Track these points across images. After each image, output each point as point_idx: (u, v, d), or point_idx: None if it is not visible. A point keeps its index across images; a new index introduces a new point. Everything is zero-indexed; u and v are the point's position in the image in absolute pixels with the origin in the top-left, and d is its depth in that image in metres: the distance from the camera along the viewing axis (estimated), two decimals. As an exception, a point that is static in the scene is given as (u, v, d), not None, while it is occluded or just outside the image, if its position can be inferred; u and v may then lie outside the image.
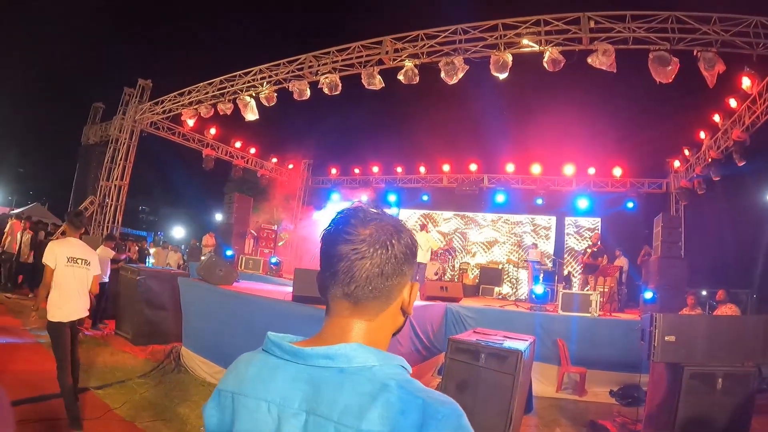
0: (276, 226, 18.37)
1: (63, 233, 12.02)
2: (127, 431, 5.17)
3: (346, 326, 1.04)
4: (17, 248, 13.06)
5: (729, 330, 5.19)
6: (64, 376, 4.85)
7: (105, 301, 10.06)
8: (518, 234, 18.21)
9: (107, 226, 16.01)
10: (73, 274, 5.08)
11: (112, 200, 16.26)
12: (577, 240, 17.31)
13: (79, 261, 5.14)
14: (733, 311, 9.46)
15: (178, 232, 37.13)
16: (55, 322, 4.91)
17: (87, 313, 5.38)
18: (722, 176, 12.47)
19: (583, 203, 16.70)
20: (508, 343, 4.87)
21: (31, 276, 13.22)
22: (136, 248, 12.70)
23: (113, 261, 10.24)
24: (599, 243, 12.85)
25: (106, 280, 9.99)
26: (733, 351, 4.95)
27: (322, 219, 17.87)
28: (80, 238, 5.44)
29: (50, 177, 32.63)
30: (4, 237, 13.23)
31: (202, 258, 10.09)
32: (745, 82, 9.89)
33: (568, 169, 16.84)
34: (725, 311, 9.45)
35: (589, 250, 12.97)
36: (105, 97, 20.36)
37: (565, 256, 17.04)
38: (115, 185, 16.33)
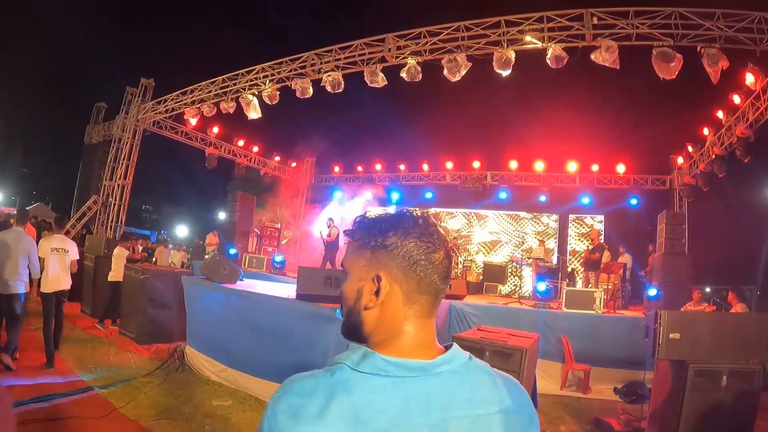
0: (279, 224, 18.38)
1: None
2: (131, 430, 5.18)
3: (430, 326, 1.10)
4: None
5: (734, 327, 5.17)
6: (47, 329, 7.15)
7: (118, 301, 10.10)
8: (522, 231, 18.18)
9: (111, 226, 16.03)
10: (57, 260, 7.32)
11: (115, 199, 16.28)
12: (580, 238, 17.28)
13: (60, 250, 7.41)
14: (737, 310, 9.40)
15: (182, 230, 37.18)
16: (44, 292, 7.19)
17: (68, 287, 7.60)
18: (726, 173, 12.41)
19: (586, 200, 16.69)
20: (513, 341, 4.87)
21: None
22: (140, 248, 12.67)
23: (130, 261, 10.30)
24: (598, 239, 12.79)
25: (121, 279, 10.05)
26: (738, 348, 4.93)
27: (326, 216, 17.89)
28: (65, 235, 7.94)
29: (54, 177, 32.74)
30: None
31: (206, 257, 10.10)
32: (749, 79, 9.85)
33: (572, 166, 16.83)
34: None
35: (590, 247, 12.93)
36: (108, 96, 20.40)
37: (569, 253, 17.02)
38: (119, 184, 16.35)
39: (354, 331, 1.10)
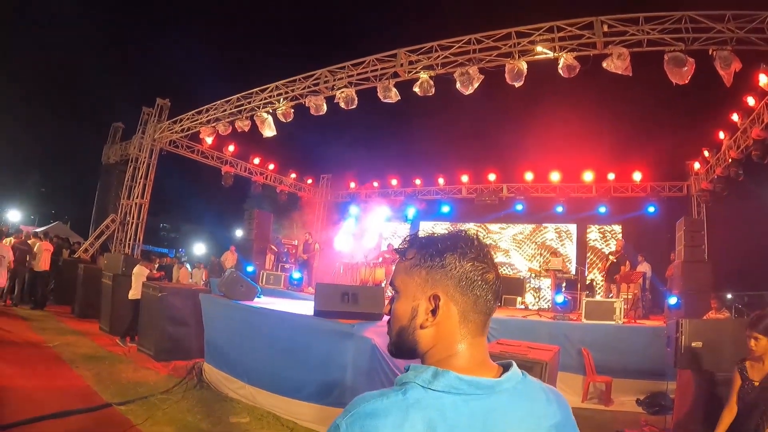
0: (296, 241, 18.39)
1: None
2: (150, 447, 5.19)
3: (484, 344, 1.12)
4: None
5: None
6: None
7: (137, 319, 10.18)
8: (539, 243, 18.08)
9: (128, 244, 16.20)
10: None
11: (133, 218, 16.45)
12: (600, 246, 17.15)
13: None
14: None
15: (199, 248, 37.43)
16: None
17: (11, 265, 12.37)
18: (744, 176, 12.24)
19: (603, 209, 16.54)
20: (532, 354, 4.81)
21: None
22: (155, 266, 12.70)
23: (150, 279, 10.40)
24: (621, 251, 12.62)
25: (140, 297, 10.13)
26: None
27: (343, 233, 17.87)
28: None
29: (72, 196, 33.29)
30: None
31: (224, 274, 10.17)
32: (763, 79, 9.70)
33: (588, 176, 16.70)
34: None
35: (611, 258, 12.76)
36: (124, 117, 20.74)
37: (588, 263, 16.88)
38: (136, 203, 16.53)
39: (405, 351, 1.12)
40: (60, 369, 7.23)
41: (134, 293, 10.21)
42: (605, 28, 9.62)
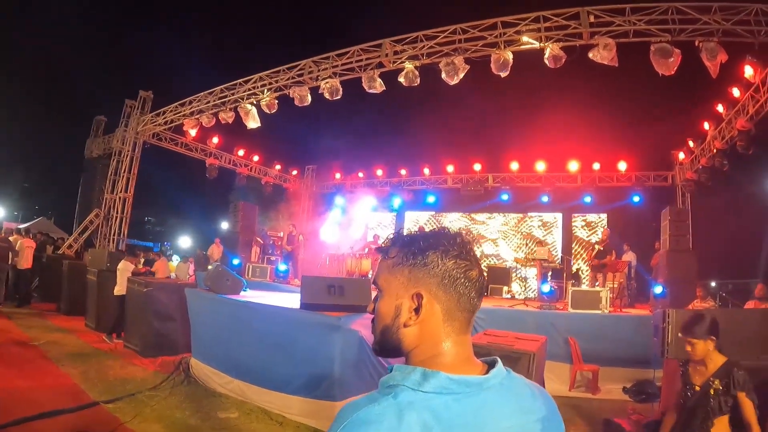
0: (281, 233, 18.29)
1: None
2: (138, 445, 5.15)
3: (468, 341, 1.13)
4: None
5: (744, 323, 5.12)
6: None
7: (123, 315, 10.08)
8: (525, 232, 18.15)
9: (113, 239, 16.02)
10: None
11: (117, 212, 16.27)
12: (585, 235, 17.26)
13: None
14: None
15: (185, 241, 37.13)
16: None
17: None
18: (728, 166, 12.36)
19: (588, 199, 16.63)
20: (520, 345, 4.81)
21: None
22: (142, 260, 12.55)
23: (135, 275, 10.30)
24: (607, 239, 12.68)
25: (125, 293, 10.03)
26: (749, 344, 4.88)
27: (329, 224, 17.82)
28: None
29: (55, 191, 32.76)
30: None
31: (209, 268, 10.06)
32: (748, 71, 9.79)
33: (573, 165, 16.76)
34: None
35: (597, 247, 12.82)
36: (107, 110, 20.41)
37: (573, 252, 16.98)
38: (120, 197, 16.34)
39: (389, 349, 1.12)
40: (47, 367, 7.14)
41: (119, 289, 10.11)
42: (591, 18, 9.63)
